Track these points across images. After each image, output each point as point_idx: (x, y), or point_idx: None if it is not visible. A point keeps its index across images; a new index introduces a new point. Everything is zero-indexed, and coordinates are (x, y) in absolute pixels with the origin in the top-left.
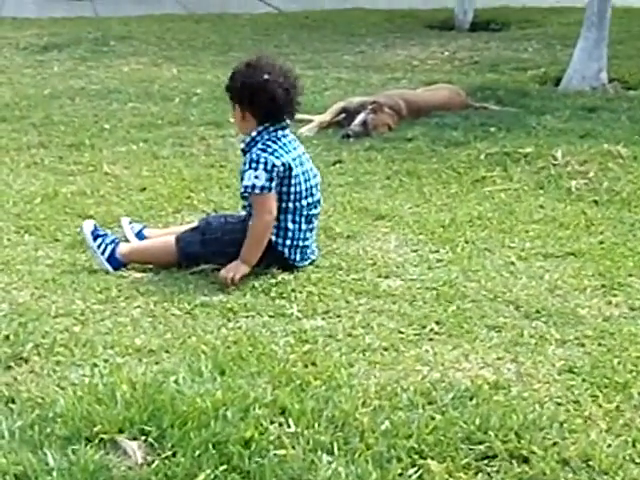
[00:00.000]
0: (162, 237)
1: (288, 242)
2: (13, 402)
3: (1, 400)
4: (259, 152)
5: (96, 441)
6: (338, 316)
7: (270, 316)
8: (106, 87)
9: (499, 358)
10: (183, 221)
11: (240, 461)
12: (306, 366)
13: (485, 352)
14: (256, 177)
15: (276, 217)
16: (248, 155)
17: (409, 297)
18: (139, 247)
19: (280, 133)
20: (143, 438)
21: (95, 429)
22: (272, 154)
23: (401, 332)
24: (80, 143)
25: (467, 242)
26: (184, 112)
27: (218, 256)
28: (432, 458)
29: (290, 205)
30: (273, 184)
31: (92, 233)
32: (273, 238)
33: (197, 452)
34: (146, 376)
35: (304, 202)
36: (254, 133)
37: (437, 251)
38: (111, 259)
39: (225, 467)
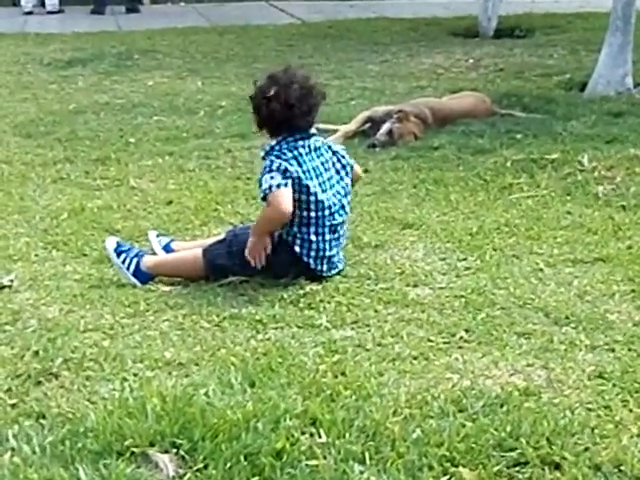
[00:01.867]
0: (189, 250)
1: (313, 253)
2: (44, 417)
3: (32, 416)
4: (273, 158)
5: (127, 455)
6: (367, 326)
7: (299, 327)
8: (131, 101)
9: (529, 365)
10: (210, 234)
11: (272, 472)
12: (336, 376)
13: (515, 359)
14: (272, 178)
15: (298, 229)
16: (264, 162)
17: (438, 305)
18: (166, 260)
19: (300, 143)
20: (174, 451)
21: (126, 443)
22: (287, 161)
23: (430, 340)
24: (106, 157)
25: (495, 249)
26: (209, 125)
27: (245, 268)
28: (464, 466)
29: (312, 214)
30: (289, 182)
31: (115, 250)
32: (297, 249)
33: (229, 464)
34: (176, 389)
35: (326, 212)
36: (273, 142)
37: (465, 259)
38: (137, 273)
39: (257, 478)
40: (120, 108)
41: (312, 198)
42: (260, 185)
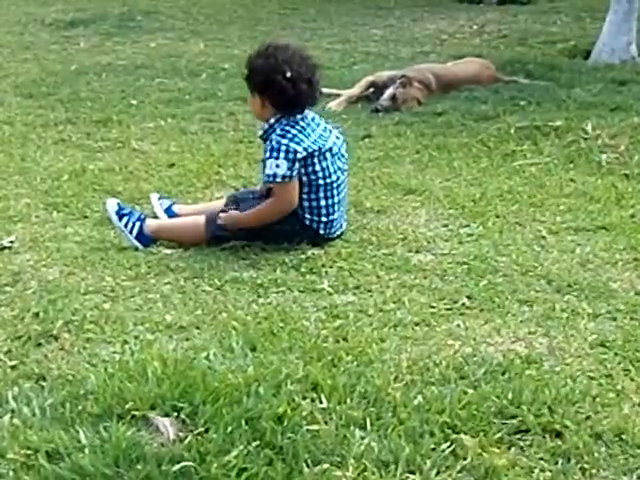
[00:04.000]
0: (191, 217)
1: (324, 219)
2: (44, 379)
3: (31, 377)
4: (279, 139)
5: (128, 418)
6: (369, 291)
7: (301, 291)
8: (133, 63)
9: (531, 332)
10: (212, 197)
11: (273, 437)
12: (337, 341)
13: (517, 326)
14: (277, 166)
15: (307, 197)
16: (268, 143)
17: (440, 272)
18: (168, 225)
19: (299, 117)
20: (175, 414)
21: (127, 406)
22: (292, 140)
23: (432, 307)
24: (108, 119)
25: (498, 216)
26: (212, 87)
27: (248, 238)
28: (465, 433)
29: (321, 182)
30: (294, 172)
31: (117, 213)
32: (308, 217)
33: (229, 428)
34: (177, 352)
35: (334, 177)
36: (272, 120)
37: (468, 225)
38: (139, 236)
39: (258, 443)
40: (122, 70)
41: (321, 166)
42: (264, 167)
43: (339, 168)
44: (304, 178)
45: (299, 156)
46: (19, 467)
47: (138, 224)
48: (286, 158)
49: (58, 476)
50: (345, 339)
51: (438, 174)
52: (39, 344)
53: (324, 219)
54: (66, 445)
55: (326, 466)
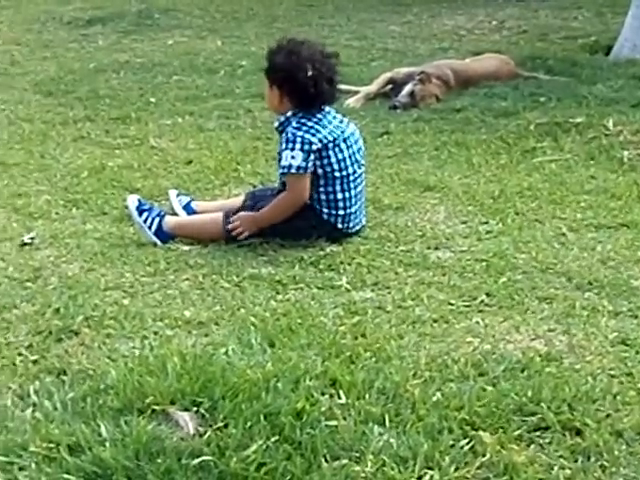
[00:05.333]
0: (210, 214)
1: (341, 212)
2: (65, 374)
3: (53, 372)
4: (294, 131)
5: (148, 412)
6: (387, 288)
7: (319, 288)
8: (151, 60)
9: (551, 330)
10: (230, 194)
11: (292, 432)
12: (356, 338)
13: (536, 324)
14: (292, 157)
15: (324, 190)
16: (284, 135)
17: (459, 269)
18: (187, 222)
19: (314, 111)
20: (195, 409)
21: (147, 400)
22: (308, 132)
23: (451, 304)
24: (126, 116)
25: (517, 213)
26: (229, 84)
27: (265, 231)
28: (484, 430)
29: (337, 174)
30: (310, 164)
31: (137, 209)
32: (325, 211)
33: (249, 423)
34: (196, 348)
35: (350, 169)
36: (289, 113)
37: (487, 222)
38: (158, 232)
39: (276, 438)
40: (140, 67)
41: (336, 158)
42: (279, 159)
43: (356, 161)
44: (320, 170)
45: (314, 147)
46: (41, 460)
47: (157, 220)
48: (302, 149)
49: (79, 469)
50: (363, 335)
51: (457, 171)
52: (60, 339)
53: (341, 212)
54: (87, 439)
55: (345, 461)
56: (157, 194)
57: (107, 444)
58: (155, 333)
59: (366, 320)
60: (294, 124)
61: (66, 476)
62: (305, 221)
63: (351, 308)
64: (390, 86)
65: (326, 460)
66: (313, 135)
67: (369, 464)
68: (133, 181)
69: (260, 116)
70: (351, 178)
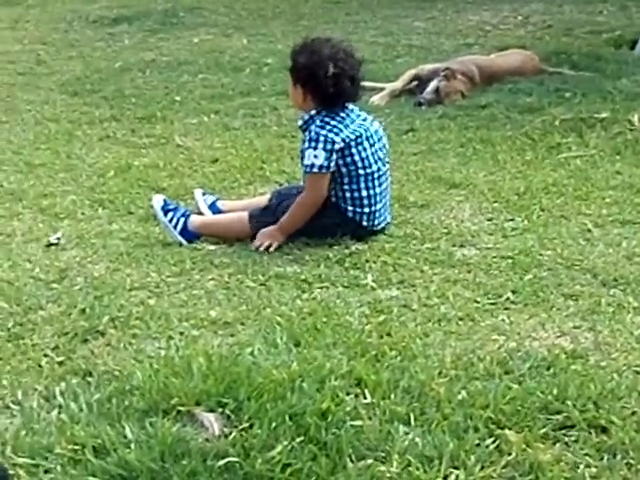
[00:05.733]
0: (235, 213)
1: (366, 210)
2: (90, 375)
3: (79, 373)
4: (318, 130)
5: (173, 413)
6: (413, 286)
7: (344, 287)
8: (176, 59)
9: (576, 327)
10: (256, 192)
11: (317, 432)
12: (381, 337)
13: (562, 321)
14: (315, 156)
15: (348, 188)
16: (307, 134)
17: (484, 266)
18: (212, 221)
19: (337, 109)
20: (220, 410)
21: (172, 402)
22: (331, 131)
23: (477, 301)
24: (151, 115)
25: (542, 210)
26: (255, 82)
27: (291, 235)
28: (509, 428)
29: (361, 172)
30: (332, 163)
31: (162, 208)
32: (350, 208)
33: (274, 424)
34: (222, 348)
35: (374, 167)
36: (313, 112)
37: (512, 219)
38: (184, 232)
39: (302, 438)
40: (166, 66)
41: (360, 156)
42: (302, 158)
43: (380, 159)
44: (343, 169)
45: (337, 147)
46: (66, 462)
47: (182, 220)
48: (324, 149)
49: (104, 471)
50: (389, 334)
51: (482, 167)
52: (85, 340)
53: (366, 210)
54: (112, 440)
55: (370, 461)
56: (183, 193)
57: (132, 446)
58: (181, 333)
59: (391, 319)
60: (317, 122)
61: (91, 479)
62: (330, 219)
63: (377, 307)
64: (415, 83)
65: (351, 460)
66: (336, 134)
67: (394, 464)
68: (159, 180)
69: (285, 114)
70: (375, 175)
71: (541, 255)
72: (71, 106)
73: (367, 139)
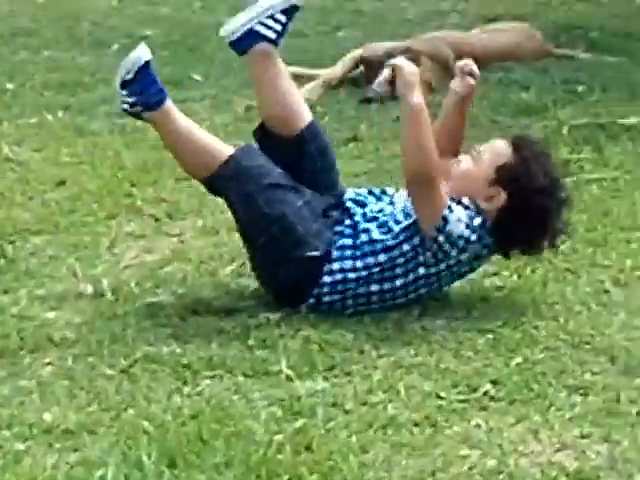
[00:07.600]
0: (218, 140)
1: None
2: None
3: None
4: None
5: None
6: (348, 374)
7: (246, 375)
8: (11, 27)
9: (584, 435)
10: (120, 229)
11: None
12: (298, 452)
13: (563, 426)
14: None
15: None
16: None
17: (453, 344)
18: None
19: None
20: None
21: None
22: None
23: (440, 397)
24: None
25: (540, 260)
26: None
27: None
28: None
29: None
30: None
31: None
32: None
33: None
34: (58, 470)
35: None
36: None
37: (496, 274)
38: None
39: None
40: None
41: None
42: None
43: None
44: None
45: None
46: None
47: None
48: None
49: None
50: (309, 448)
51: None
52: None
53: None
54: None
55: None
56: (9, 233)
57: None
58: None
59: (314, 424)
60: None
61: None
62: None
63: (293, 406)
64: (361, 69)
65: None
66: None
67: None
68: None
69: None
70: None
71: (536, 328)
72: None
73: None
